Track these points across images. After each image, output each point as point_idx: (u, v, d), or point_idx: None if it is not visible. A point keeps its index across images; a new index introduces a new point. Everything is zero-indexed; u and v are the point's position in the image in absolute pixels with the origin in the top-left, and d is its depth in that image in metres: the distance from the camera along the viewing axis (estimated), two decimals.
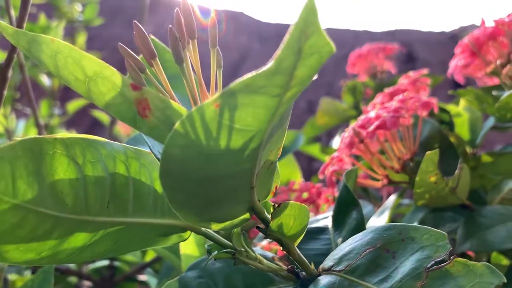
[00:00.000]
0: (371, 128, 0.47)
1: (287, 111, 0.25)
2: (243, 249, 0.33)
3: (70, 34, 0.99)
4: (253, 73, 0.19)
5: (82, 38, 0.94)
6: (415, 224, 0.54)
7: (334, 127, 0.92)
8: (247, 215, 0.30)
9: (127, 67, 0.25)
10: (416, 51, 2.28)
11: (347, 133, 0.51)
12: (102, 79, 0.24)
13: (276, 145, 0.28)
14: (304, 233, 0.39)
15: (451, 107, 0.61)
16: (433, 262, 0.29)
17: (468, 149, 0.62)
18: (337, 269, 0.32)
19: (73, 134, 0.31)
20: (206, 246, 0.34)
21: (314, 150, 0.94)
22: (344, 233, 0.39)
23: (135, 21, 0.26)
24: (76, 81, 0.24)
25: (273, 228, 0.30)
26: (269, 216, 0.30)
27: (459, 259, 0.28)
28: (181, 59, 0.25)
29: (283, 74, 0.19)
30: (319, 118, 0.86)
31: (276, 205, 0.29)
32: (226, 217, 0.29)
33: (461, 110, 0.61)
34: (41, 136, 0.24)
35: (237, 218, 0.30)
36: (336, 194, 0.55)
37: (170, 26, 0.25)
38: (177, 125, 0.21)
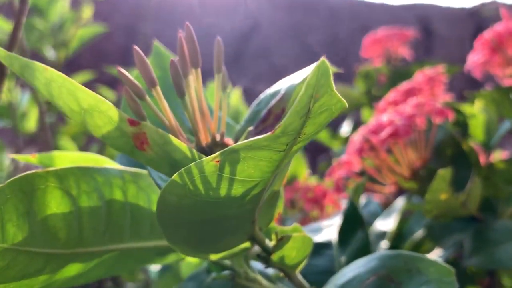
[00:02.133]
0: (383, 135, 0.45)
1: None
2: (242, 269, 0.32)
3: (76, 5, 0.97)
4: (257, 137, 0.17)
5: (88, 11, 0.92)
6: (421, 231, 0.53)
7: (344, 114, 0.90)
8: (247, 244, 0.29)
9: (126, 97, 0.24)
10: (434, 26, 2.22)
11: (357, 136, 0.49)
12: (98, 113, 0.22)
13: (281, 176, 0.27)
14: None
15: (466, 108, 0.59)
16: None
17: (482, 151, 0.60)
18: None
19: (73, 155, 0.30)
20: (205, 263, 0.34)
21: (323, 135, 0.92)
22: (348, 251, 0.38)
23: (136, 46, 0.24)
24: (71, 111, 0.23)
25: (275, 260, 0.28)
26: (270, 245, 0.29)
27: None
28: (183, 92, 0.23)
29: (289, 135, 0.18)
30: None
31: (279, 238, 0.28)
32: (225, 248, 0.28)
33: (476, 111, 0.59)
34: (33, 172, 0.23)
35: (237, 248, 0.29)
36: (344, 197, 0.54)
37: (172, 59, 0.23)
38: (175, 176, 0.20)
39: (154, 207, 0.29)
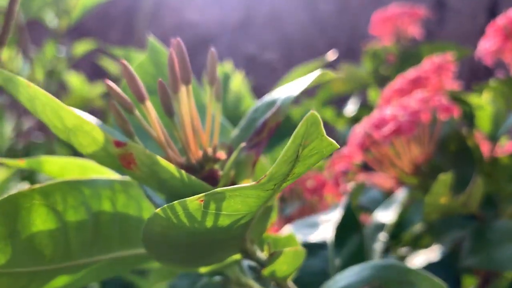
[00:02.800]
0: (386, 131, 0.44)
1: None
2: (234, 274, 0.32)
3: None
4: (243, 185, 0.16)
5: None
6: (421, 223, 0.53)
7: (350, 93, 0.88)
8: (238, 256, 0.28)
9: (113, 113, 0.23)
10: None
11: (360, 129, 0.48)
12: (83, 133, 0.22)
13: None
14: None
15: (473, 99, 0.57)
16: None
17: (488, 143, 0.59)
18: None
19: (62, 160, 0.29)
20: None
21: (327, 114, 0.91)
22: (343, 254, 0.38)
23: (123, 61, 0.23)
24: (55, 128, 0.22)
25: (266, 274, 0.28)
26: (262, 256, 0.29)
27: None
28: (171, 113, 0.22)
29: (277, 179, 0.17)
30: (335, 85, 0.82)
31: (270, 254, 0.27)
32: (214, 262, 0.27)
33: (483, 102, 0.57)
34: (17, 191, 0.22)
35: (228, 260, 0.28)
36: (343, 190, 0.53)
37: (160, 80, 0.22)
38: (158, 210, 0.19)
39: (144, 215, 0.29)
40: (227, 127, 0.33)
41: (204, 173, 0.25)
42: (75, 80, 1.00)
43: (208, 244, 0.23)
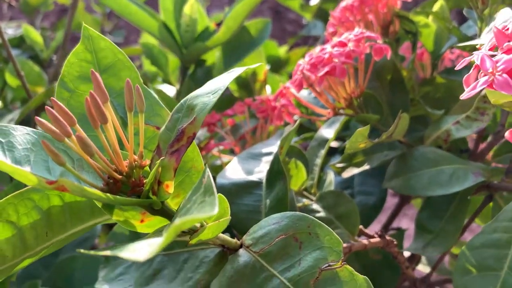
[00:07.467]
0: (319, 74, 0.48)
1: None
2: None
3: None
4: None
5: None
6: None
7: None
8: None
9: (44, 147, 0.27)
10: None
11: (302, 64, 0.51)
12: (20, 176, 0.26)
13: None
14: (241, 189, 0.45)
15: (419, 18, 0.59)
16: (326, 265, 0.34)
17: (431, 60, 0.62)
18: (254, 249, 0.38)
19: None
20: None
21: (294, 4, 0.90)
22: (271, 196, 0.44)
23: (47, 107, 0.26)
24: (1, 168, 0.27)
25: (192, 242, 0.35)
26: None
27: (347, 266, 0.33)
28: (92, 154, 0.27)
29: None
30: None
31: (194, 230, 0.34)
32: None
33: (429, 22, 0.59)
34: None
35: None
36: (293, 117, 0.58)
37: (78, 134, 0.26)
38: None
39: None
40: (161, 107, 0.37)
41: (131, 182, 0.30)
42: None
43: None
